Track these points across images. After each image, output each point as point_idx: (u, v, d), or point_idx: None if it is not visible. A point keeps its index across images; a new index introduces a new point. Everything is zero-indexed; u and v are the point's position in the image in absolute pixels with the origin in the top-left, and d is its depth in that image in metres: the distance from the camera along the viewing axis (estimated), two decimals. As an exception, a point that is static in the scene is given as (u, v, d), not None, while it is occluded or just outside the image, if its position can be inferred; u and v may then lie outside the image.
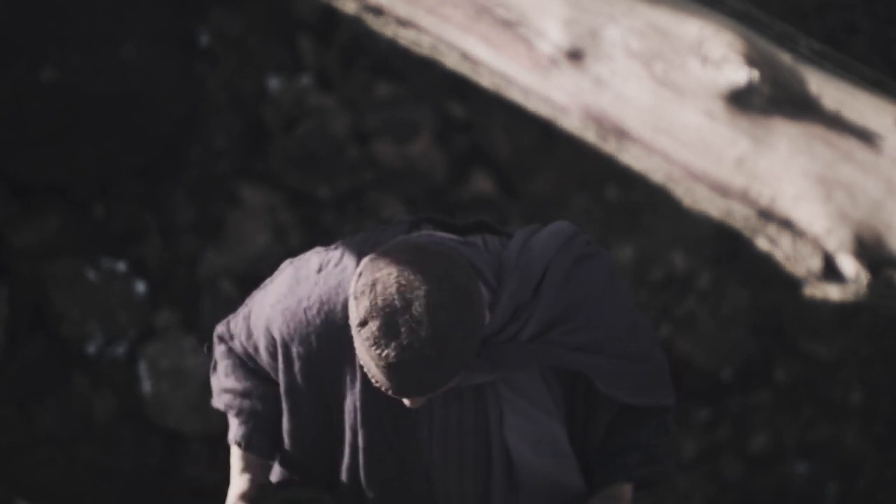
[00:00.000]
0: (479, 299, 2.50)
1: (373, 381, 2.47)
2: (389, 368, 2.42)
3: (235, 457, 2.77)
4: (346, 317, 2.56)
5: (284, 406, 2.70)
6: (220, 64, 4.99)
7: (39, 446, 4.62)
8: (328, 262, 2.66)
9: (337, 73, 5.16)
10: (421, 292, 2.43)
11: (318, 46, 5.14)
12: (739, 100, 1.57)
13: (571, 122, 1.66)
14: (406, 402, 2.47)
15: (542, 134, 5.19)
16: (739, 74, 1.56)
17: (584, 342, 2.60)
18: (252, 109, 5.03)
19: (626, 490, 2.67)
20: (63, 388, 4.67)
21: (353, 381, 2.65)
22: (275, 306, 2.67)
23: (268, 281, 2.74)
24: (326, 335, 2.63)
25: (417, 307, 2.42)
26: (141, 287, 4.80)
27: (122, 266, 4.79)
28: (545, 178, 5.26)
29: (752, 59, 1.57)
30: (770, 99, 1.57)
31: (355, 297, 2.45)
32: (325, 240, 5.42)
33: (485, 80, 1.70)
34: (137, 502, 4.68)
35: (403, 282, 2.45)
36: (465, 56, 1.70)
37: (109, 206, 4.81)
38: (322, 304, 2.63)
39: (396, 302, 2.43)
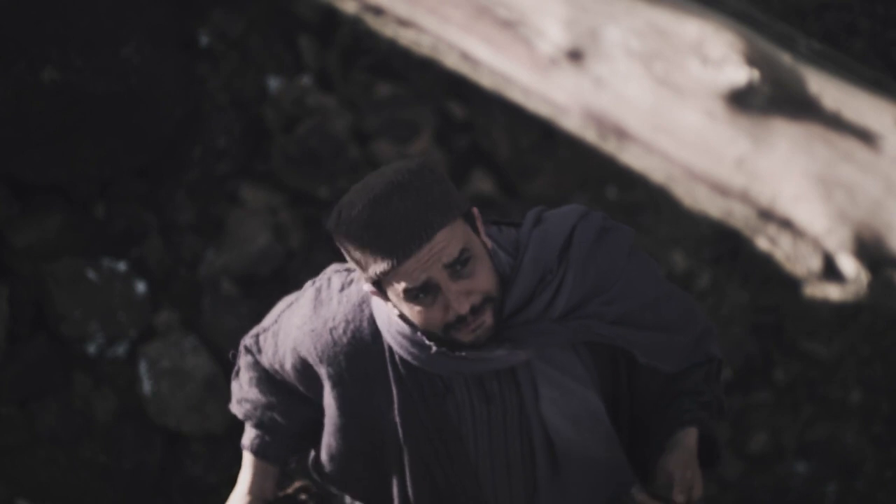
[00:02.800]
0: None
1: (375, 269, 2.46)
2: (380, 224, 2.44)
3: (248, 461, 2.81)
4: (372, 333, 2.59)
5: (326, 425, 2.73)
6: (221, 64, 4.99)
7: (40, 446, 4.62)
8: (349, 280, 2.68)
9: (337, 74, 5.16)
10: (387, 177, 2.50)
11: (319, 46, 5.15)
12: (739, 100, 1.57)
13: (571, 122, 1.66)
14: (418, 278, 2.44)
15: (542, 134, 5.19)
16: (739, 74, 1.56)
17: (620, 315, 2.62)
18: (252, 109, 5.04)
19: (689, 435, 2.67)
20: (64, 387, 4.67)
21: (388, 397, 2.66)
22: (301, 328, 2.70)
23: (292, 298, 2.75)
24: (354, 353, 2.65)
25: (388, 180, 2.48)
26: (141, 287, 4.80)
27: (122, 266, 4.80)
28: (545, 178, 5.26)
29: (752, 59, 1.57)
30: (770, 99, 1.58)
31: (328, 228, 2.51)
32: (326, 240, 5.44)
33: (485, 80, 1.71)
34: (138, 502, 4.68)
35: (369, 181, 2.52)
36: (466, 56, 1.70)
37: (110, 206, 4.81)
38: (347, 322, 2.65)
39: (369, 189, 2.49)
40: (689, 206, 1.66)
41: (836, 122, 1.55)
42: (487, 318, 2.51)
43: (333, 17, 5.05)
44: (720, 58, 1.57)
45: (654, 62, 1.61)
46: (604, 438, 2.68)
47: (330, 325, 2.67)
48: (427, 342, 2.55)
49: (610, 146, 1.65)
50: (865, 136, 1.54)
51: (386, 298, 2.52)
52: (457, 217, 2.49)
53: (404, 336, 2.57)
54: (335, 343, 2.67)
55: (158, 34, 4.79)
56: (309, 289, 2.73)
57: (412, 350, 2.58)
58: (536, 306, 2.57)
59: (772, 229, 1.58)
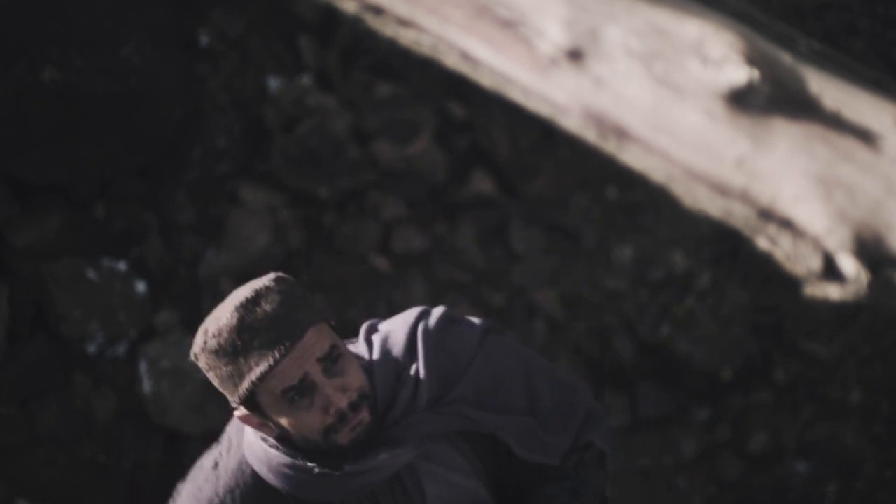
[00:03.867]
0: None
1: (252, 376, 2.48)
2: (252, 327, 2.48)
3: None
4: (260, 486, 2.60)
5: None
6: (221, 64, 4.99)
7: (40, 446, 4.62)
8: (220, 453, 2.70)
9: (337, 74, 5.16)
10: (248, 288, 2.55)
11: (319, 46, 5.15)
12: (739, 99, 1.57)
13: (571, 122, 1.66)
14: (295, 375, 2.47)
15: (542, 134, 5.19)
16: (739, 74, 1.56)
17: (481, 397, 2.64)
18: (252, 109, 5.04)
19: None
20: (64, 387, 4.67)
21: None
22: None
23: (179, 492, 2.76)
24: None
25: (249, 290, 2.53)
26: (141, 287, 4.80)
27: (122, 266, 4.80)
28: (545, 178, 5.26)
29: (751, 59, 1.57)
30: (770, 99, 1.58)
31: (194, 354, 2.54)
32: (326, 240, 5.44)
33: (485, 80, 1.71)
34: (138, 501, 4.68)
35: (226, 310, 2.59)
36: (466, 56, 1.70)
37: (110, 206, 4.81)
38: (232, 489, 2.66)
39: (232, 301, 2.53)
40: (689, 205, 1.66)
41: (836, 122, 1.55)
42: (365, 414, 2.53)
43: (333, 17, 5.05)
44: (720, 58, 1.57)
45: (654, 62, 1.61)
46: None
47: (216, 501, 2.67)
48: (309, 465, 2.55)
49: (610, 146, 1.65)
50: (865, 136, 1.54)
51: (261, 417, 2.54)
52: (321, 320, 2.55)
53: (286, 465, 2.57)
54: None
55: (158, 34, 4.79)
56: (182, 487, 2.74)
57: (298, 478, 2.58)
58: (401, 403, 2.61)
59: (772, 229, 1.58)
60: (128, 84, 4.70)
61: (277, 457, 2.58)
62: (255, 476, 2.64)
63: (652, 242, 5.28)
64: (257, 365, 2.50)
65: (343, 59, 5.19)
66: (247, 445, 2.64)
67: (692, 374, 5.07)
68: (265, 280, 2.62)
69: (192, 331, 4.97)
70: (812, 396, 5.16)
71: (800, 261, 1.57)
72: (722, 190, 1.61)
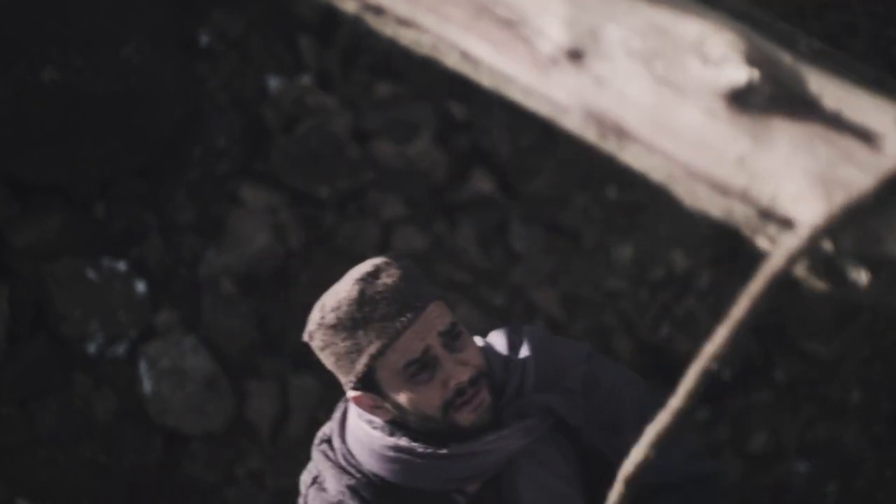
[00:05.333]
0: None
1: (372, 350, 2.45)
2: (373, 299, 2.46)
3: None
4: (367, 481, 2.57)
5: None
6: (221, 64, 4.99)
7: (40, 446, 4.62)
8: (313, 477, 2.71)
9: (337, 73, 5.16)
10: (365, 265, 2.54)
11: (319, 46, 5.14)
12: (740, 99, 1.57)
13: (572, 122, 1.66)
14: (417, 347, 2.44)
15: (542, 134, 5.19)
16: (740, 74, 1.56)
17: (593, 393, 2.62)
18: (252, 109, 5.03)
19: None
20: (64, 387, 4.67)
21: None
22: None
23: None
24: None
25: (367, 266, 2.51)
26: (141, 287, 4.80)
27: (122, 266, 4.80)
28: (545, 178, 5.26)
29: (752, 59, 1.57)
30: (770, 98, 1.58)
31: (308, 333, 2.52)
32: (325, 240, 5.44)
33: (485, 80, 1.70)
34: (138, 501, 4.68)
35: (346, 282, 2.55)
36: (466, 55, 1.70)
37: (110, 206, 4.81)
38: (343, 492, 2.62)
39: (349, 277, 2.52)
40: (690, 205, 1.66)
41: (836, 122, 1.55)
42: (486, 394, 2.51)
43: (333, 17, 5.05)
44: (720, 57, 1.57)
45: (655, 61, 1.60)
46: None
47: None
48: (412, 444, 2.53)
49: (610, 145, 1.65)
50: (866, 136, 1.54)
51: (376, 397, 2.51)
52: (440, 297, 2.54)
53: (390, 447, 2.54)
54: None
55: (158, 34, 4.79)
56: None
57: (401, 460, 2.55)
58: (510, 390, 2.59)
59: (772, 229, 1.58)
60: (128, 84, 4.70)
61: (381, 438, 2.54)
62: (362, 474, 2.60)
63: (652, 242, 5.28)
64: (378, 337, 2.47)
65: (343, 59, 5.19)
66: (350, 433, 2.59)
67: (692, 374, 5.06)
68: (381, 258, 2.60)
69: (193, 331, 4.98)
70: (812, 396, 5.16)
71: (800, 261, 1.56)
72: (722, 189, 1.60)
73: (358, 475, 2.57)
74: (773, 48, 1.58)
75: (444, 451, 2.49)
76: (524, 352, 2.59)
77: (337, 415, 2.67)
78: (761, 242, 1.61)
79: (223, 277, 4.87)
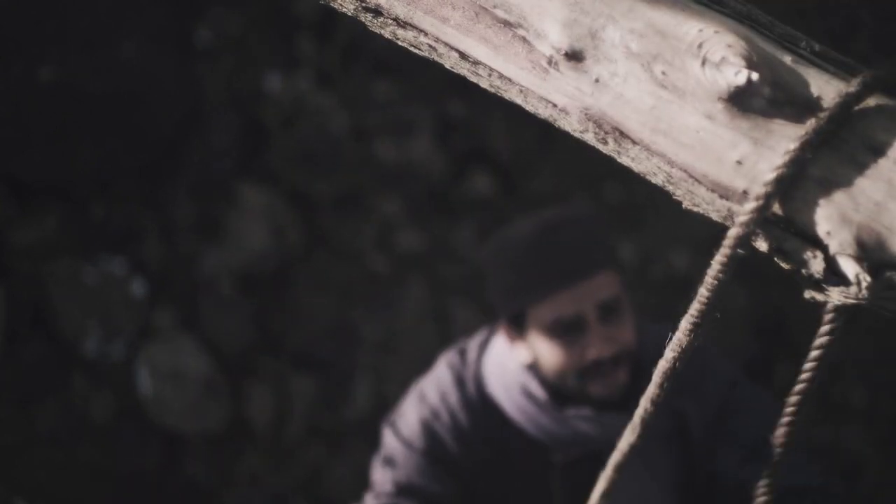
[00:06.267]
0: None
1: (529, 296, 2.44)
2: (548, 248, 2.44)
3: None
4: (487, 407, 2.57)
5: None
6: (220, 63, 4.98)
7: (38, 446, 4.61)
8: (450, 375, 2.71)
9: (336, 73, 5.15)
10: (560, 212, 2.52)
11: (318, 45, 5.14)
12: (740, 101, 1.57)
13: (571, 124, 1.66)
14: (569, 309, 2.43)
15: (542, 134, 5.18)
16: (740, 76, 1.55)
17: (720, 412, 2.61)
18: (251, 109, 5.03)
19: None
20: (62, 388, 4.66)
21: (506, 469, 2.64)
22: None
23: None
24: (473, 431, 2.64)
25: (560, 214, 2.49)
26: (140, 287, 4.80)
27: (121, 266, 4.79)
28: (545, 177, 5.25)
29: (752, 61, 1.56)
30: (770, 100, 1.57)
31: (483, 254, 2.49)
32: (325, 240, 5.43)
33: (484, 82, 1.70)
34: (137, 502, 4.67)
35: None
36: (465, 57, 1.70)
37: (109, 205, 4.80)
38: (463, 407, 2.63)
39: (539, 219, 2.50)
40: (689, 207, 1.66)
41: (836, 124, 1.55)
42: (623, 374, 2.51)
43: (333, 17, 5.04)
44: (720, 59, 1.57)
45: (654, 64, 1.60)
46: None
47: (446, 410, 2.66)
48: (538, 391, 2.52)
49: (609, 148, 1.64)
50: (867, 138, 1.54)
51: (519, 336, 2.51)
52: (615, 267, 2.53)
53: (519, 385, 2.54)
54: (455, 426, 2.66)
55: (157, 33, 4.79)
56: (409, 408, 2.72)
57: (522, 403, 2.55)
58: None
59: (773, 231, 1.57)
60: (127, 84, 4.69)
61: (515, 373, 2.55)
62: (482, 392, 2.60)
63: (652, 242, 5.27)
64: (538, 288, 2.48)
65: (342, 59, 5.18)
66: (490, 356, 2.60)
67: (693, 374, 5.06)
68: (578, 209, 2.62)
69: (192, 331, 4.97)
70: (815, 398, 5.15)
71: (800, 263, 1.56)
72: (722, 192, 1.60)
73: (474, 394, 2.60)
74: (774, 49, 1.57)
75: (563, 410, 2.51)
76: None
77: (480, 337, 2.68)
78: (761, 245, 1.60)
79: (222, 277, 4.86)
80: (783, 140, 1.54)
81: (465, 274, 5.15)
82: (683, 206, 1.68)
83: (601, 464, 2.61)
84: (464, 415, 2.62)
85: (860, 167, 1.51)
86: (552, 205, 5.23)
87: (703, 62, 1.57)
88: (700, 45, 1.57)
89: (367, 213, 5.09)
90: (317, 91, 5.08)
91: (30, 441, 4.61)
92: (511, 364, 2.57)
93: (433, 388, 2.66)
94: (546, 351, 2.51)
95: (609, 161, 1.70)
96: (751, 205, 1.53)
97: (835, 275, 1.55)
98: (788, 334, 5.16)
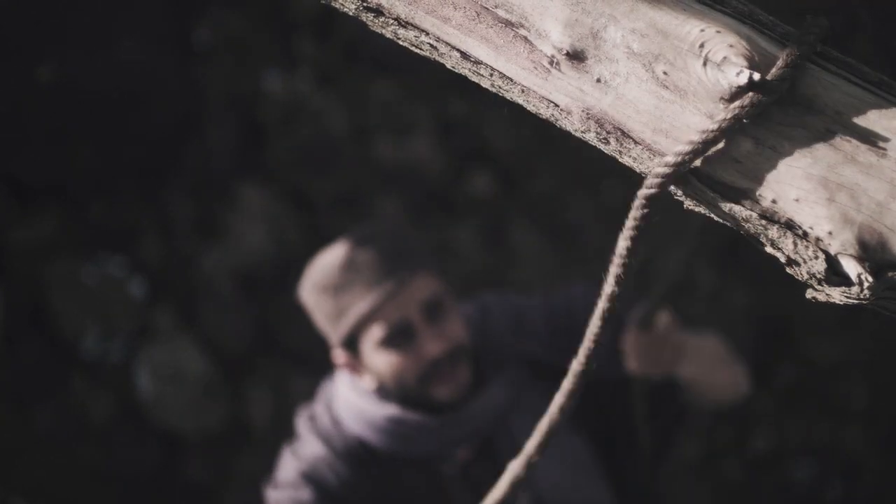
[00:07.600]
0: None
1: (354, 315, 2.48)
2: (360, 264, 2.47)
3: None
4: (356, 449, 2.58)
5: None
6: (220, 63, 4.98)
7: (37, 447, 4.61)
8: (302, 435, 2.74)
9: (336, 73, 5.15)
10: (361, 230, 2.56)
11: (318, 45, 5.14)
12: (741, 101, 1.57)
13: (572, 124, 1.66)
14: (394, 317, 2.47)
15: (542, 134, 5.18)
16: (741, 76, 1.55)
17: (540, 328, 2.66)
18: (251, 108, 5.02)
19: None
20: (61, 388, 4.66)
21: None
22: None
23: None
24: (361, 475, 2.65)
25: (363, 232, 2.53)
26: (140, 287, 4.80)
27: (120, 266, 4.79)
28: (545, 177, 5.25)
29: (754, 61, 1.56)
30: (772, 100, 1.57)
31: (300, 293, 2.53)
32: (325, 239, 5.44)
33: (485, 82, 1.70)
34: (136, 502, 4.67)
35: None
36: (466, 56, 1.70)
37: (108, 205, 4.80)
38: (336, 460, 2.64)
39: (344, 241, 2.53)
40: (690, 208, 1.66)
41: (839, 124, 1.54)
42: (463, 373, 2.54)
43: (333, 16, 5.04)
44: (722, 59, 1.56)
45: (656, 63, 1.60)
46: (588, 479, 2.68)
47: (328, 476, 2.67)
48: (401, 413, 2.54)
49: (611, 148, 1.64)
50: (869, 138, 1.53)
51: (357, 361, 2.53)
52: (430, 267, 2.56)
53: (380, 416, 2.56)
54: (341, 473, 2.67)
55: (156, 33, 4.79)
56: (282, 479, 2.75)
57: (393, 429, 2.56)
58: (483, 352, 2.64)
59: (774, 231, 1.57)
60: (126, 83, 4.69)
61: (370, 407, 2.57)
62: (348, 441, 2.62)
63: (652, 242, 5.27)
64: (357, 306, 2.50)
65: (342, 58, 5.18)
66: (340, 402, 2.62)
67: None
68: (379, 224, 2.68)
69: (191, 331, 4.96)
70: (815, 398, 5.15)
71: (802, 264, 1.56)
72: (723, 192, 1.60)
73: (341, 444, 2.61)
74: (776, 49, 1.57)
75: (433, 417, 2.53)
76: (490, 314, 2.65)
77: (325, 387, 2.70)
78: (763, 245, 1.60)
79: (222, 277, 4.86)
80: (785, 140, 1.54)
81: (464, 274, 5.15)
82: (684, 206, 1.68)
83: (494, 450, 2.63)
84: (341, 465, 2.63)
85: (862, 167, 1.51)
86: (552, 205, 5.23)
87: (705, 62, 1.57)
88: (702, 45, 1.57)
89: (367, 213, 5.09)
90: (316, 91, 5.08)
91: (28, 441, 4.60)
92: (362, 401, 2.59)
93: (304, 448, 2.68)
94: (384, 364, 2.54)
95: (609, 161, 1.70)
96: (669, 159, 1.54)
97: (836, 275, 1.54)
98: (788, 334, 5.16)
